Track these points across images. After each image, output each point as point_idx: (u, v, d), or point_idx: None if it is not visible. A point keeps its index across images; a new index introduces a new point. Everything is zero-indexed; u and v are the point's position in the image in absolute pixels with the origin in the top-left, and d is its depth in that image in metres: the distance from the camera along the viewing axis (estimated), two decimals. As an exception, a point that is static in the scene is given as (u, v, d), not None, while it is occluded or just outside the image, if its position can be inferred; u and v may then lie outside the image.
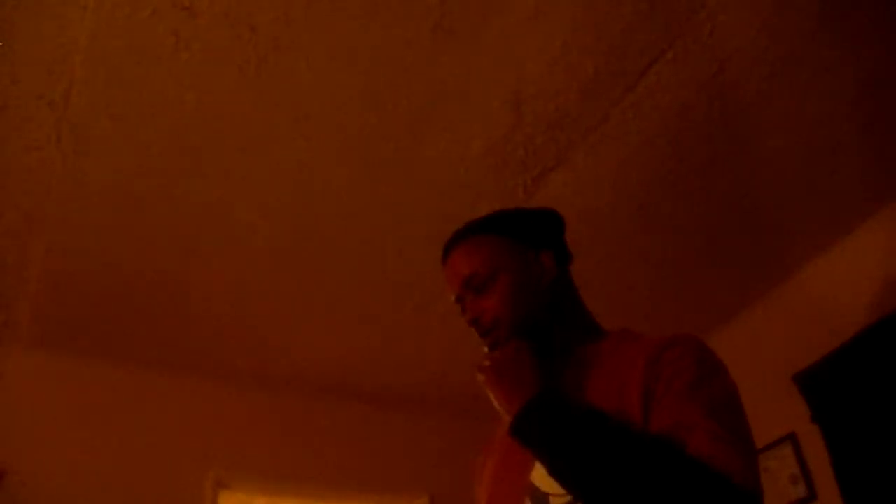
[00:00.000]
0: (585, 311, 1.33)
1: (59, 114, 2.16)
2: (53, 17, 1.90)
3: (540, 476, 1.11)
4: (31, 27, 1.92)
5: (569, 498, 1.06)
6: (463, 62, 2.15)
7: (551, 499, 1.09)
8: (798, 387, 2.98)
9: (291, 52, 2.06)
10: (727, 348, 3.35)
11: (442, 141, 2.40)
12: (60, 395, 3.13)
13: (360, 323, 3.23)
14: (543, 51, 2.15)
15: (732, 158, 2.59)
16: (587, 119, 2.38)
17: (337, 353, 3.43)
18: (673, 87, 2.30)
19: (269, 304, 3.05)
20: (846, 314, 2.90)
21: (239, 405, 3.49)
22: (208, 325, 3.15)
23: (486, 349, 1.27)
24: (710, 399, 1.04)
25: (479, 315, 1.26)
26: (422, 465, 3.74)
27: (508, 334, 1.23)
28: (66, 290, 2.85)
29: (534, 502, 1.12)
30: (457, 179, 2.55)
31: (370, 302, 3.10)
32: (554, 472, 1.04)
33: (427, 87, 2.22)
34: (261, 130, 2.29)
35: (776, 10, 2.08)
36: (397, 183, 2.55)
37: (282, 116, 2.26)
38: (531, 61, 2.17)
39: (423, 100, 2.26)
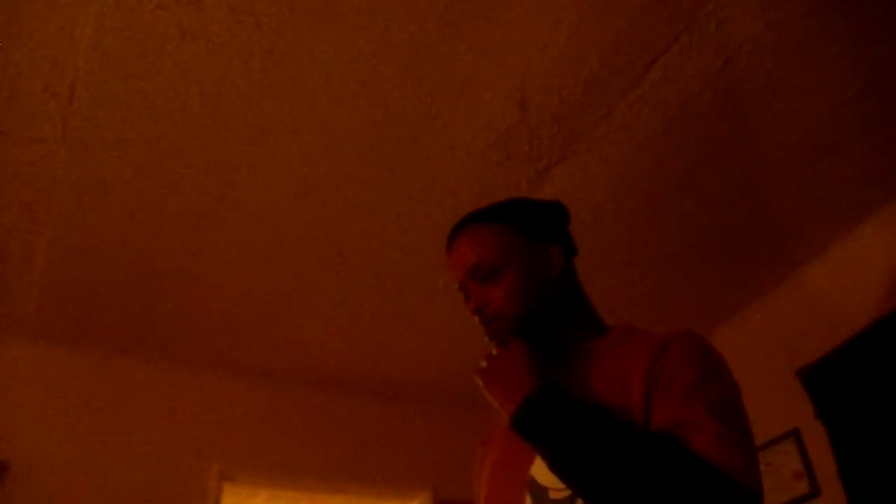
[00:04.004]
0: (590, 307, 1.32)
1: (63, 106, 2.16)
2: (58, 8, 1.90)
3: (540, 470, 1.11)
4: (36, 19, 1.92)
5: (568, 492, 1.06)
6: (467, 56, 2.15)
7: (551, 492, 1.09)
8: (802, 382, 2.97)
9: (296, 44, 2.06)
10: (731, 344, 3.37)
11: (446, 135, 2.40)
12: (64, 388, 3.15)
13: (364, 316, 3.23)
14: (548, 45, 2.14)
15: (737, 153, 2.58)
16: (592, 113, 2.37)
17: (341, 346, 3.43)
18: (678, 82, 2.29)
19: (273, 297, 3.06)
20: (851, 310, 2.89)
21: (243, 398, 3.50)
22: (213, 319, 3.15)
23: (487, 340, 1.25)
24: (712, 397, 1.04)
25: (484, 304, 1.24)
26: (425, 458, 3.74)
27: (513, 326, 1.22)
28: (70, 283, 2.86)
29: (533, 496, 1.12)
30: (461, 173, 2.55)
31: (374, 295, 3.10)
32: (554, 466, 1.04)
33: (431, 80, 2.21)
34: (266, 123, 2.29)
35: (782, 4, 2.07)
36: (402, 177, 2.54)
37: (287, 109, 2.26)
38: (536, 55, 2.17)
39: (428, 93, 2.26)
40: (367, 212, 2.68)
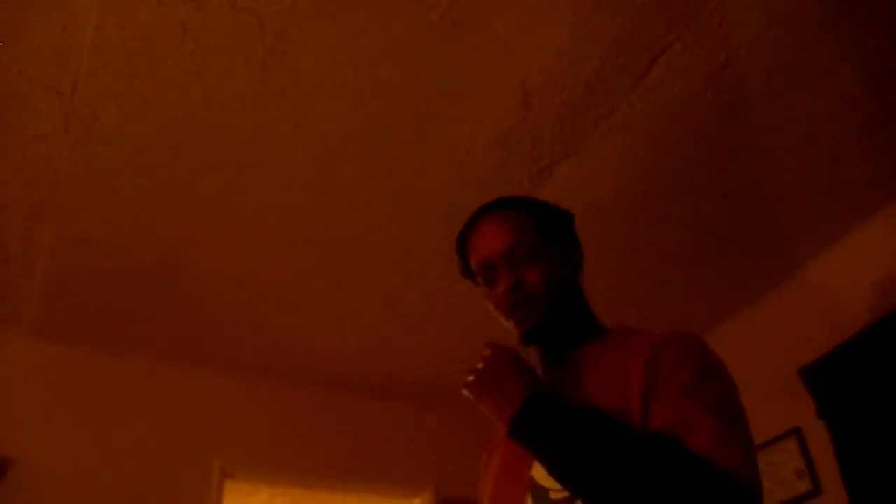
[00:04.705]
0: (590, 310, 1.33)
1: (66, 104, 2.16)
2: (60, 6, 1.90)
3: (540, 471, 1.11)
4: (39, 17, 1.92)
5: (568, 493, 1.06)
6: (469, 53, 2.15)
7: (551, 493, 1.10)
8: (803, 381, 2.97)
9: (298, 43, 2.06)
10: (733, 342, 3.35)
11: (449, 132, 2.40)
12: (67, 386, 3.16)
13: (366, 315, 3.24)
14: (550, 42, 2.14)
15: (739, 152, 2.58)
16: (594, 111, 2.37)
17: (342, 344, 3.43)
18: (680, 80, 2.29)
19: (274, 295, 3.06)
20: (852, 309, 2.89)
21: (245, 396, 3.51)
22: (215, 317, 3.16)
23: (511, 326, 1.25)
24: (711, 396, 1.04)
25: (520, 284, 1.23)
26: (427, 456, 3.75)
27: (542, 312, 1.22)
28: (72, 281, 2.86)
29: (534, 498, 1.13)
30: (463, 171, 2.55)
31: (375, 294, 3.11)
32: (552, 470, 1.04)
33: (433, 78, 2.21)
34: (267, 121, 2.30)
35: (784, 2, 2.07)
36: (404, 174, 2.55)
37: (288, 107, 2.26)
38: (537, 54, 2.17)
39: (430, 91, 2.25)
40: (369, 211, 2.68)
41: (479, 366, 1.16)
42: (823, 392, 2.90)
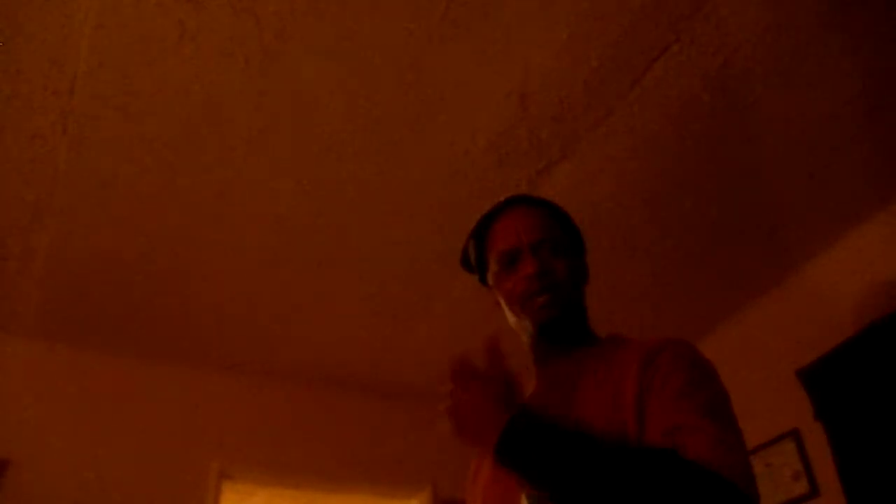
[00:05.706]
0: (587, 319, 1.34)
1: (64, 104, 2.16)
2: (59, 6, 1.90)
3: None
4: (36, 17, 1.92)
5: None
6: (468, 54, 2.15)
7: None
8: (801, 383, 2.97)
9: (296, 43, 2.06)
10: (731, 344, 3.35)
11: (447, 133, 2.40)
12: (65, 386, 3.15)
13: (364, 315, 3.23)
14: (548, 44, 2.14)
15: (737, 153, 2.58)
16: (592, 112, 2.37)
17: (340, 345, 3.43)
18: (678, 81, 2.29)
19: (273, 296, 3.06)
20: (850, 310, 2.89)
21: (243, 397, 3.51)
22: (213, 318, 3.16)
23: (523, 322, 1.25)
24: (705, 402, 1.04)
25: (550, 271, 1.24)
26: (425, 456, 3.74)
27: (562, 305, 1.23)
28: (70, 282, 2.86)
29: (531, 498, 1.12)
30: (462, 172, 2.54)
31: (373, 294, 3.11)
32: (549, 497, 1.01)
33: (432, 79, 2.21)
34: (266, 122, 2.29)
35: (781, 4, 2.07)
36: (402, 175, 2.54)
37: (287, 108, 2.26)
38: (536, 54, 2.17)
39: (428, 92, 2.25)
40: (367, 211, 2.68)
41: (451, 398, 1.09)
42: (821, 394, 2.90)
